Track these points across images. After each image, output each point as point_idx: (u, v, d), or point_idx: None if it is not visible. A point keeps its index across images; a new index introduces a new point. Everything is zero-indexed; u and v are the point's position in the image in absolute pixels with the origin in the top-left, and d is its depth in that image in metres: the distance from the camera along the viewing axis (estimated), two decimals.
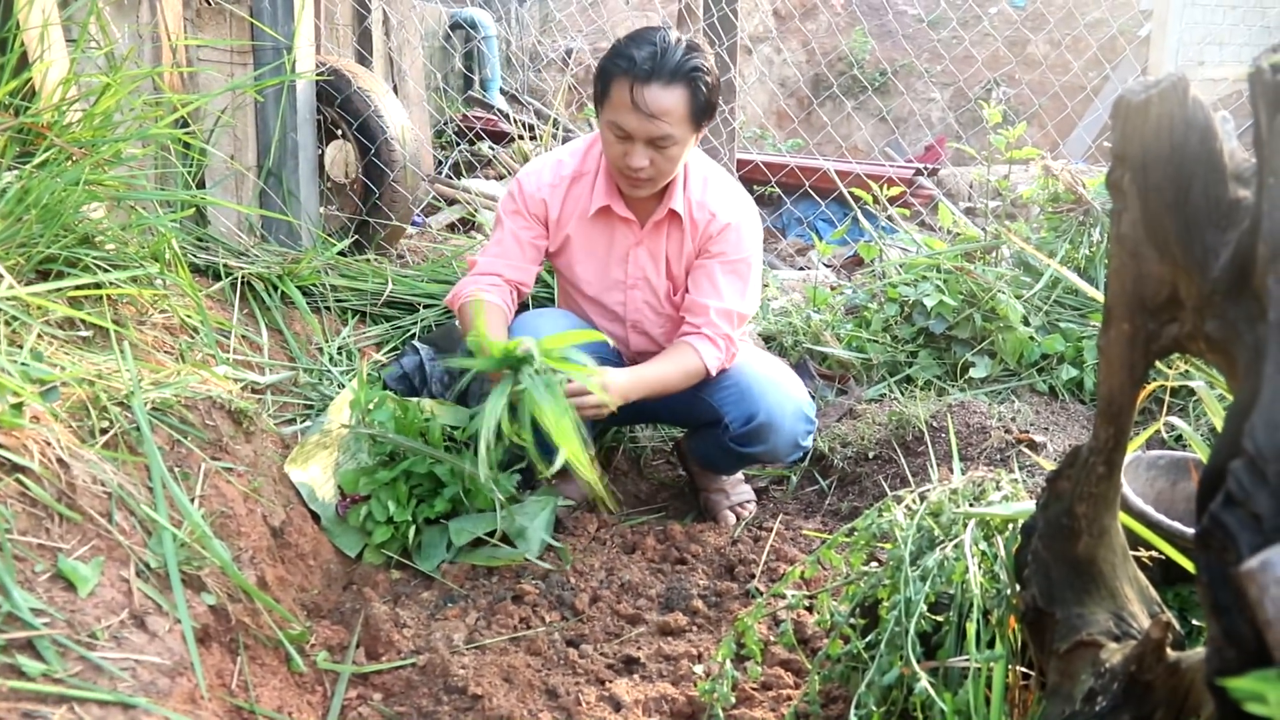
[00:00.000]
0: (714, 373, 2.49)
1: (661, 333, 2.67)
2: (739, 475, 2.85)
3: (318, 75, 3.67)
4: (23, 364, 1.83)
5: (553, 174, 2.57)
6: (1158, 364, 2.31)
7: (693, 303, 2.53)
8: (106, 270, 2.33)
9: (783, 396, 2.53)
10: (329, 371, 3.00)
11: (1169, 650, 1.18)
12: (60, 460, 1.65)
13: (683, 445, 2.89)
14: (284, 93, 3.47)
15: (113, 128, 2.57)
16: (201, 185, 3.29)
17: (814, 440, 2.93)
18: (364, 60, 4.97)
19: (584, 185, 2.56)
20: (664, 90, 2.29)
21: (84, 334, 2.18)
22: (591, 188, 2.54)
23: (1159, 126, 1.10)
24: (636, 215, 2.55)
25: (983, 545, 1.60)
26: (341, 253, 3.59)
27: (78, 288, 2.22)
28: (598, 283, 2.63)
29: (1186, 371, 2.42)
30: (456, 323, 2.95)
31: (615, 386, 2.28)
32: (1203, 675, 0.95)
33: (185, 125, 3.08)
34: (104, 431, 1.84)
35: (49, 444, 1.65)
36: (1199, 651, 1.16)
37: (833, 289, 3.91)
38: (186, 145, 2.98)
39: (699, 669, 1.98)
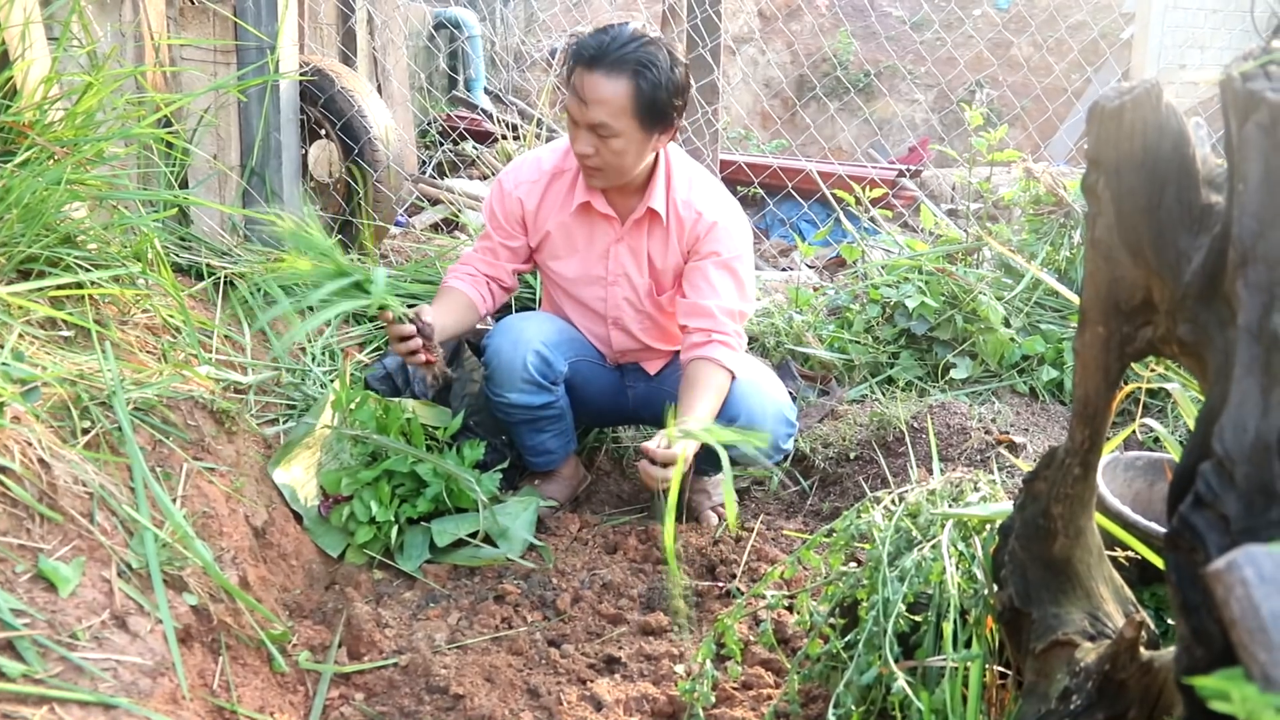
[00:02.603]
0: (735, 374, 2.48)
1: (642, 329, 2.68)
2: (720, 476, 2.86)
3: (301, 75, 3.66)
4: (4, 364, 1.82)
5: (532, 170, 2.60)
6: (1134, 366, 2.33)
7: (693, 305, 2.51)
8: (88, 270, 2.32)
9: (764, 399, 2.54)
10: (311, 372, 3.00)
11: (1143, 649, 1.20)
12: (41, 460, 1.65)
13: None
14: (267, 92, 3.46)
15: (95, 127, 2.56)
16: (184, 185, 3.28)
17: (795, 442, 2.94)
18: (348, 60, 4.95)
19: (564, 182, 2.57)
20: (605, 79, 2.31)
21: (65, 334, 2.17)
22: (572, 184, 2.56)
23: (1133, 132, 1.11)
24: (617, 212, 2.56)
25: (960, 546, 1.62)
26: None
27: (59, 287, 2.21)
28: (578, 278, 2.64)
29: (1163, 374, 2.44)
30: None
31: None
32: (1172, 674, 0.96)
33: (168, 124, 3.07)
34: (85, 432, 1.84)
35: (30, 444, 1.65)
36: (1172, 651, 1.18)
37: (815, 290, 3.92)
38: (169, 145, 2.97)
39: (680, 668, 1.99)
